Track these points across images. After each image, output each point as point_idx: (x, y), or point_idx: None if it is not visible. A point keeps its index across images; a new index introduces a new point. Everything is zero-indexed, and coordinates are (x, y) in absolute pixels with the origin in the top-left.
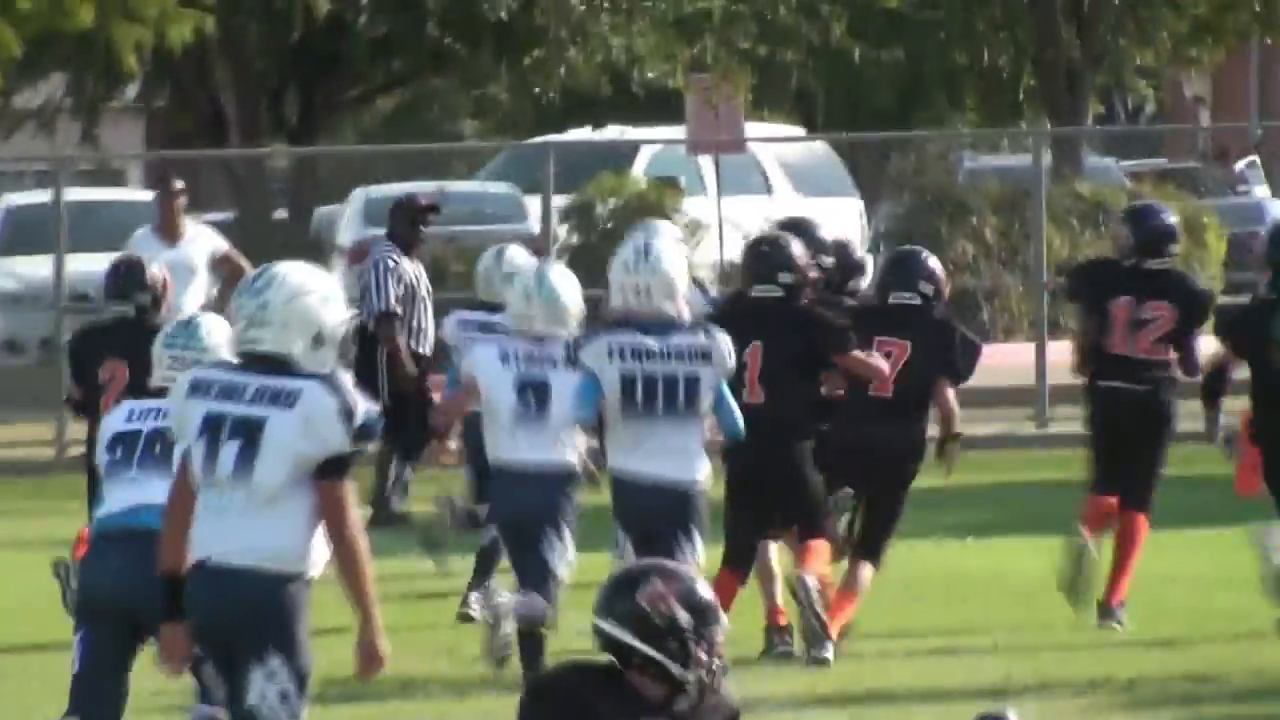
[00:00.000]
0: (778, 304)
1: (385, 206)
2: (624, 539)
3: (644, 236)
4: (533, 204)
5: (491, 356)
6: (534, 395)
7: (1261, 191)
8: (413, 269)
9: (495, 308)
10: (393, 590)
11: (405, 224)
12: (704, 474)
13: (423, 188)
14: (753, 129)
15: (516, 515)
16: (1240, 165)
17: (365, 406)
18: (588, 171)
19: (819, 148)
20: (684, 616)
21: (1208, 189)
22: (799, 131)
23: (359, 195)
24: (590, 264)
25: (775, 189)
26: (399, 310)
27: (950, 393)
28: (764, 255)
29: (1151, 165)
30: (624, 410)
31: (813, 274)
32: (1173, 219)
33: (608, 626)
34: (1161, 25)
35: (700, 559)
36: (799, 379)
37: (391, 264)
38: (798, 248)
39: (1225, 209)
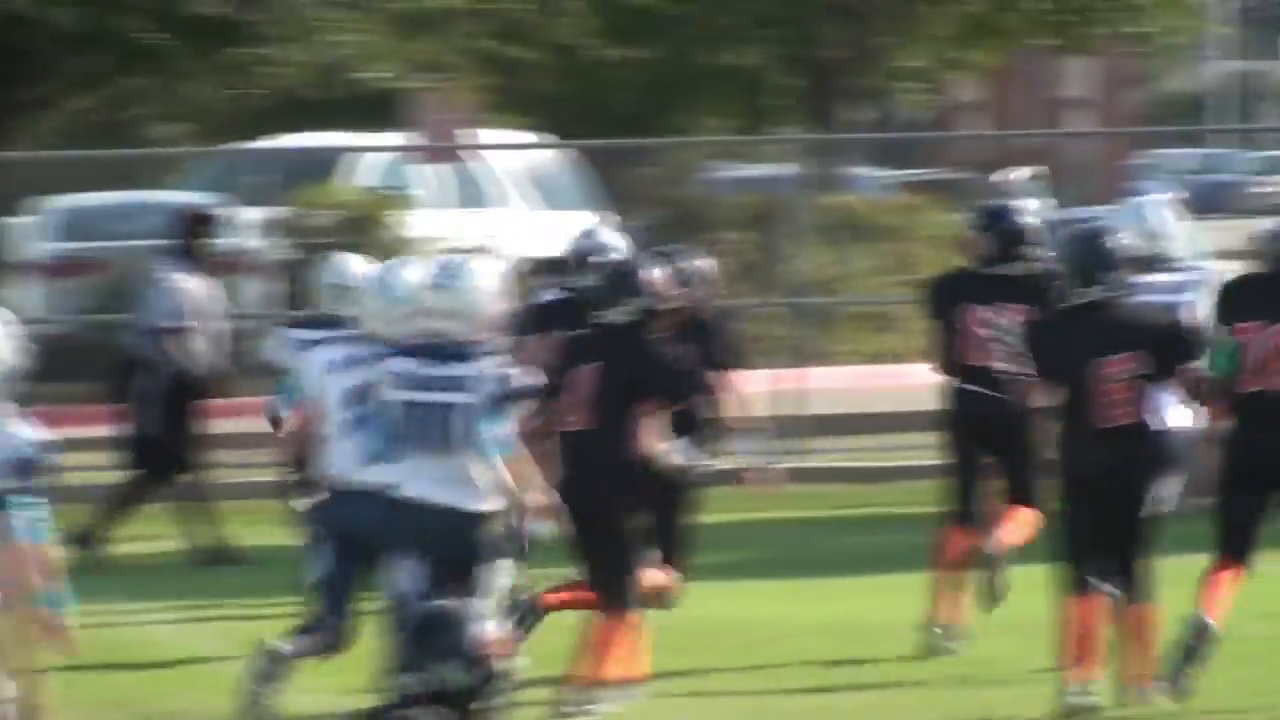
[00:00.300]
0: (624, 329)
1: (78, 218)
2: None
3: (453, 257)
4: (246, 215)
5: (319, 364)
6: (362, 405)
7: (1035, 204)
8: (197, 285)
9: (335, 322)
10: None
11: (185, 236)
12: (488, 503)
13: (121, 199)
14: (485, 136)
15: (352, 533)
16: (1019, 175)
17: (26, 438)
18: (298, 180)
19: (562, 157)
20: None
21: (978, 200)
22: (536, 138)
23: (51, 205)
24: (304, 280)
25: (510, 201)
26: (174, 325)
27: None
28: (620, 278)
29: (919, 175)
30: (404, 438)
31: (673, 302)
32: (1029, 220)
33: (446, 671)
34: (933, 25)
35: (494, 598)
36: (631, 411)
37: (166, 279)
38: (658, 273)
39: None
